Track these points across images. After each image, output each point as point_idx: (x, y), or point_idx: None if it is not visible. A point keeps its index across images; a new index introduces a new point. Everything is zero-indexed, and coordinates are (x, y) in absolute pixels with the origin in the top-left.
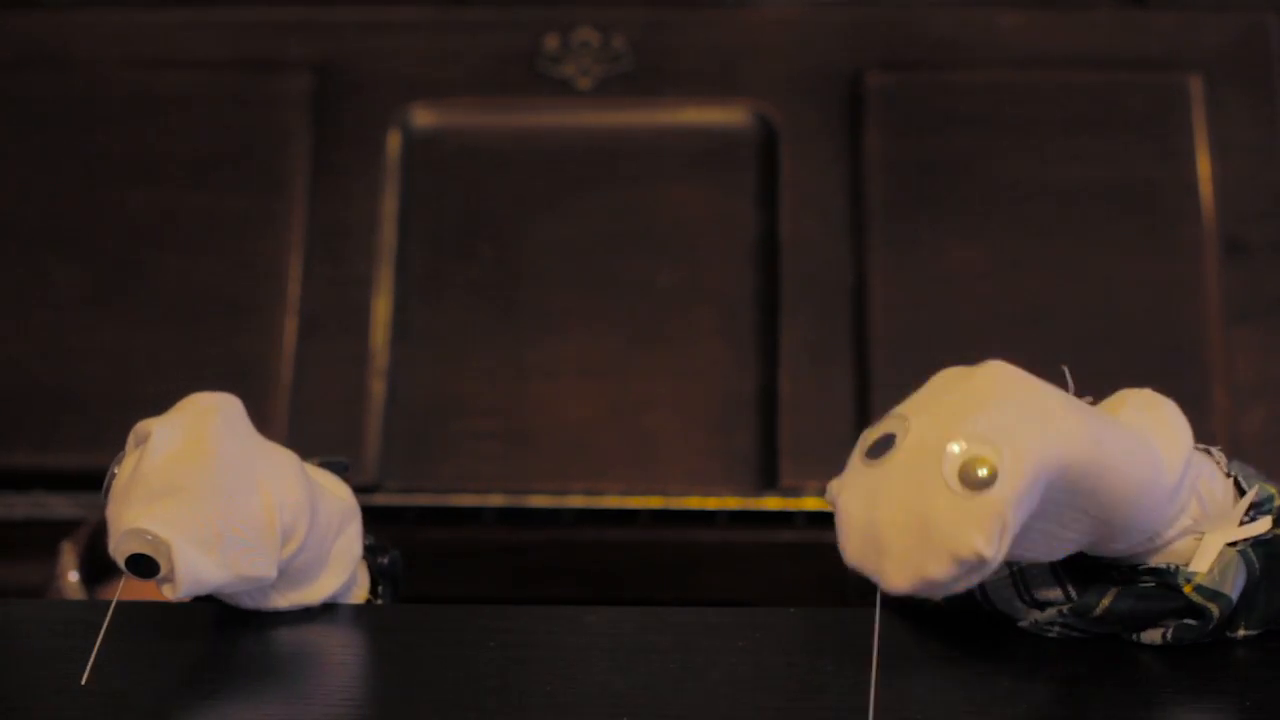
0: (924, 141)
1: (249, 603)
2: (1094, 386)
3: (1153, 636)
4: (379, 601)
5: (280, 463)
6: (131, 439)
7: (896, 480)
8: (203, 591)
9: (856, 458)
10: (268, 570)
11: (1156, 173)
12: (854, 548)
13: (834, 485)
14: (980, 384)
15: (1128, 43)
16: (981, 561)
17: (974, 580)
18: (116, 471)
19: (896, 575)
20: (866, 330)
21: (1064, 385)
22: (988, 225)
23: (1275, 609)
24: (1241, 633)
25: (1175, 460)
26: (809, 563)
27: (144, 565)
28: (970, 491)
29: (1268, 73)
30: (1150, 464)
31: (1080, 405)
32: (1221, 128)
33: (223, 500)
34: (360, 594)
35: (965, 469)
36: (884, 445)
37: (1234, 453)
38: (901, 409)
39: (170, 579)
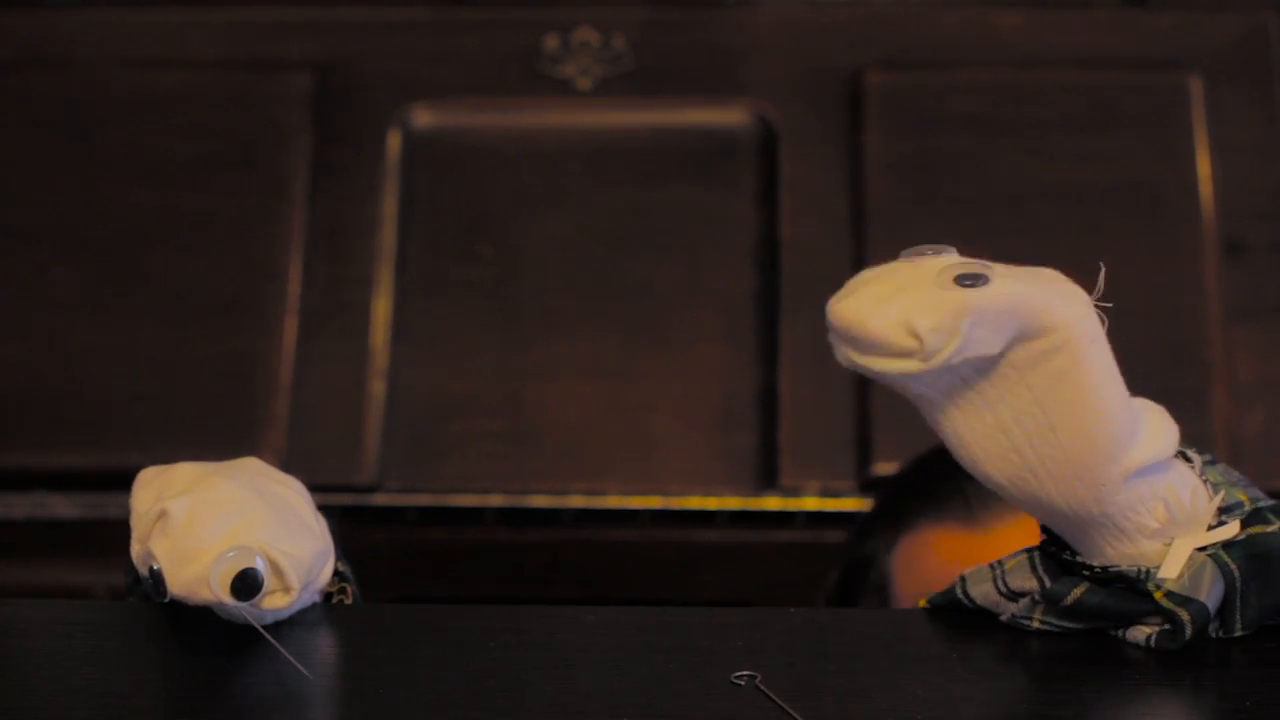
0: (924, 141)
1: (288, 611)
2: None
3: (1136, 637)
4: (340, 566)
5: (252, 461)
6: (136, 548)
7: (908, 269)
8: (310, 580)
9: (906, 252)
10: (326, 537)
11: (1156, 173)
12: (839, 293)
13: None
14: (1026, 267)
15: (1128, 43)
16: (919, 345)
17: (901, 366)
18: (155, 566)
19: (844, 307)
20: None
21: None
22: (988, 225)
23: (1267, 605)
24: (1239, 632)
25: (1147, 446)
26: (809, 563)
27: (247, 583)
28: (951, 286)
29: (1268, 73)
30: (1123, 413)
31: (1098, 318)
32: (1221, 128)
33: (263, 501)
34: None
35: (956, 270)
36: (922, 255)
37: (1234, 453)
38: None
39: (279, 585)
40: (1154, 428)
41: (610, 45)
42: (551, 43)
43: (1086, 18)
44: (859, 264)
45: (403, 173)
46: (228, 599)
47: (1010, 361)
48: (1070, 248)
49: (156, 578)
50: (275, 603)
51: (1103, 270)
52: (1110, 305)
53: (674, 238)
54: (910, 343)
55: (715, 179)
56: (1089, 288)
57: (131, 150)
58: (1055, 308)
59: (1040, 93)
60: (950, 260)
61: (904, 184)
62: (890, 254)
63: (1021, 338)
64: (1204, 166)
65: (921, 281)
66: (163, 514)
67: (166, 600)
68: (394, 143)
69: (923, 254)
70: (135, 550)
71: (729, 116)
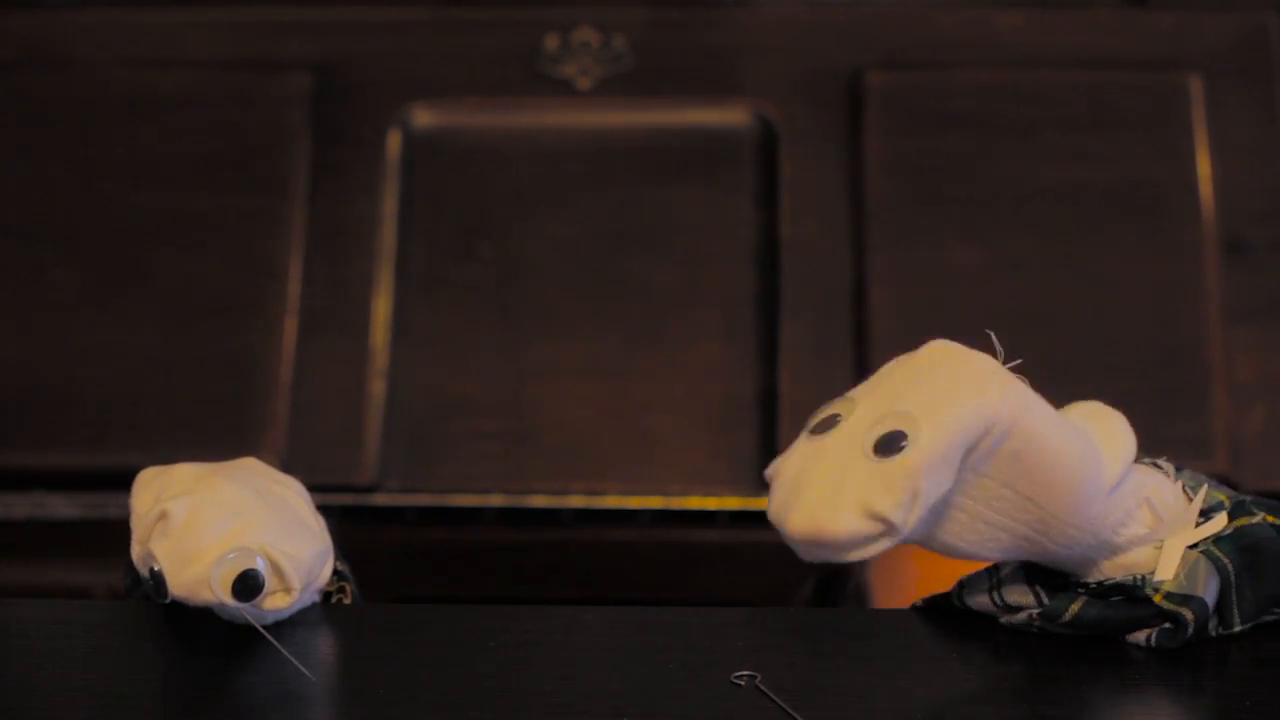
0: (924, 141)
1: (289, 611)
2: (1094, 386)
3: (1137, 638)
4: (339, 565)
5: (250, 461)
6: (137, 549)
7: (829, 450)
8: (310, 580)
9: (803, 433)
10: (325, 537)
11: (1156, 173)
12: (775, 501)
13: (777, 461)
14: (918, 363)
15: (1128, 43)
16: (887, 525)
17: (879, 547)
18: (156, 568)
19: (798, 520)
20: (866, 330)
21: (1062, 376)
22: (987, 225)
23: (1264, 596)
24: (1238, 627)
25: (1114, 459)
26: (809, 563)
27: (249, 584)
28: (884, 458)
29: (1268, 73)
30: (1084, 451)
31: (1015, 378)
32: (1221, 128)
33: (262, 502)
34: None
35: (881, 439)
36: (829, 424)
37: (1234, 453)
38: (852, 392)
39: (279, 586)
40: (1106, 434)
41: (610, 45)
42: (551, 43)
43: (1086, 18)
44: (859, 264)
45: (403, 173)
46: (229, 600)
47: (969, 465)
48: (1070, 248)
49: (158, 579)
50: (276, 603)
51: (994, 338)
52: (1020, 361)
53: (674, 238)
54: (877, 527)
55: (715, 179)
56: (1085, 292)
57: (131, 150)
58: (983, 409)
59: (1040, 93)
60: (856, 423)
61: (904, 184)
62: (890, 254)
63: (969, 454)
64: (1204, 166)
65: (853, 459)
66: (163, 515)
67: (167, 601)
68: (394, 143)
69: (823, 415)
70: (136, 551)
71: (729, 116)
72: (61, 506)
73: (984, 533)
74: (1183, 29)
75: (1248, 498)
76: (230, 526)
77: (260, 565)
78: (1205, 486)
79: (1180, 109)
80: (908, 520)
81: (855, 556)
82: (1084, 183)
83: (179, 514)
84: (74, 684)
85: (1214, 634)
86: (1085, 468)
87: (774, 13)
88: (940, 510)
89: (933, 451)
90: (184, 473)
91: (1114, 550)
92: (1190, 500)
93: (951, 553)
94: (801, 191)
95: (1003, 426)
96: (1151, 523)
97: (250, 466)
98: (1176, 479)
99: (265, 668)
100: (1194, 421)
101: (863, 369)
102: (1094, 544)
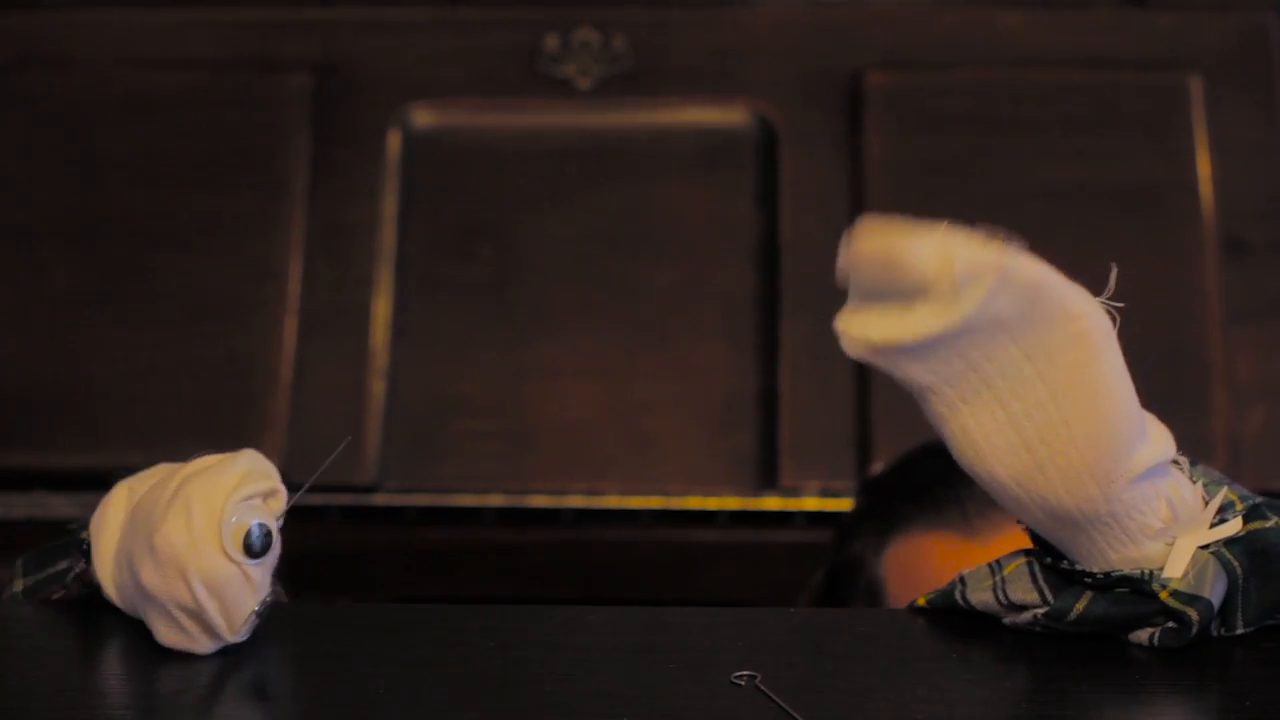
0: (924, 141)
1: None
2: None
3: (1140, 638)
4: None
5: (111, 497)
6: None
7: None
8: (271, 468)
9: None
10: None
11: (1156, 173)
12: (851, 244)
13: None
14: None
15: (1128, 43)
16: (949, 280)
17: (917, 332)
18: (257, 609)
19: (872, 241)
20: None
21: None
22: (988, 225)
23: (1270, 601)
24: (1240, 630)
25: (1155, 445)
26: (809, 563)
27: (258, 535)
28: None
29: (1268, 73)
30: (1136, 411)
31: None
32: (1221, 128)
33: (166, 491)
34: None
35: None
36: None
37: (1234, 453)
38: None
39: (263, 495)
40: (1157, 430)
41: (610, 45)
42: (551, 43)
43: (1086, 18)
44: None
45: (403, 173)
46: (257, 560)
47: (1025, 352)
48: (1070, 248)
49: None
50: (278, 505)
51: (1114, 270)
52: (1122, 305)
53: (674, 238)
54: (941, 273)
55: (715, 179)
56: (1089, 288)
57: (131, 150)
58: (1077, 296)
59: (1040, 93)
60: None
61: (904, 184)
62: None
63: (1039, 322)
64: (1204, 166)
65: (956, 232)
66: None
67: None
68: (394, 143)
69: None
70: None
71: (729, 116)
72: (61, 506)
73: (1009, 440)
74: (1183, 29)
75: (1262, 500)
76: (194, 531)
77: (251, 517)
78: (1225, 489)
79: (1180, 109)
80: (970, 289)
81: (898, 329)
82: (1084, 183)
83: (201, 595)
84: (74, 684)
85: (1215, 634)
86: (1129, 423)
87: (774, 13)
88: (980, 393)
89: (1026, 268)
90: (105, 504)
91: (1122, 534)
92: (1207, 498)
93: (966, 448)
94: (801, 191)
95: (1081, 326)
96: (1167, 518)
97: (118, 499)
98: (1192, 475)
99: (265, 668)
100: (1194, 421)
101: (863, 369)
102: (1104, 514)
